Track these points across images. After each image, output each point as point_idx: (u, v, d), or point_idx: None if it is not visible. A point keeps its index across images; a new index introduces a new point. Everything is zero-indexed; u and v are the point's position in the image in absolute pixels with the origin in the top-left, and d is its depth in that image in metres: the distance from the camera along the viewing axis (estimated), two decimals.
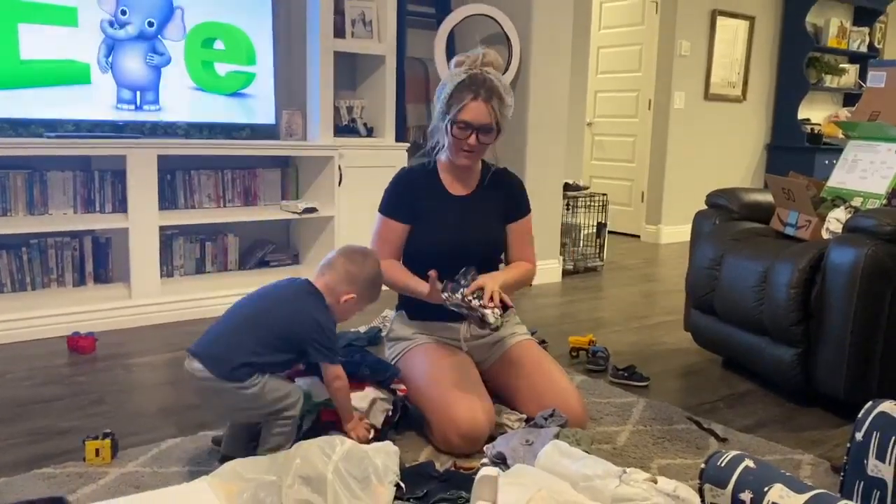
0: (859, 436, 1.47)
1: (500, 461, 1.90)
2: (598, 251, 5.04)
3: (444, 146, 2.22)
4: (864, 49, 7.10)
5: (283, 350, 1.88)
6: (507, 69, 4.30)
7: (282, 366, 1.93)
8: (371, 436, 2.00)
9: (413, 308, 2.29)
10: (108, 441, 1.98)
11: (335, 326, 1.96)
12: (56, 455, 2.03)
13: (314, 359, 1.91)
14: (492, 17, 4.28)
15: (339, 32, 3.94)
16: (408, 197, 2.24)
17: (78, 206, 3.47)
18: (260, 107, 3.84)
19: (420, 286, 2.12)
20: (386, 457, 1.76)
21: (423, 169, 2.30)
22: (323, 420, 2.04)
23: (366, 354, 2.23)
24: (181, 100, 3.60)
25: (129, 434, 2.16)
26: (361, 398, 2.06)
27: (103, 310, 3.26)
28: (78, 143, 3.18)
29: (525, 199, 2.36)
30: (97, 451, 1.96)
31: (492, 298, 1.95)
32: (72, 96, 3.31)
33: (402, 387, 2.17)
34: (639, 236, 6.41)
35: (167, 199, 3.67)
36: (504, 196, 2.32)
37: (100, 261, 3.57)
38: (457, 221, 2.23)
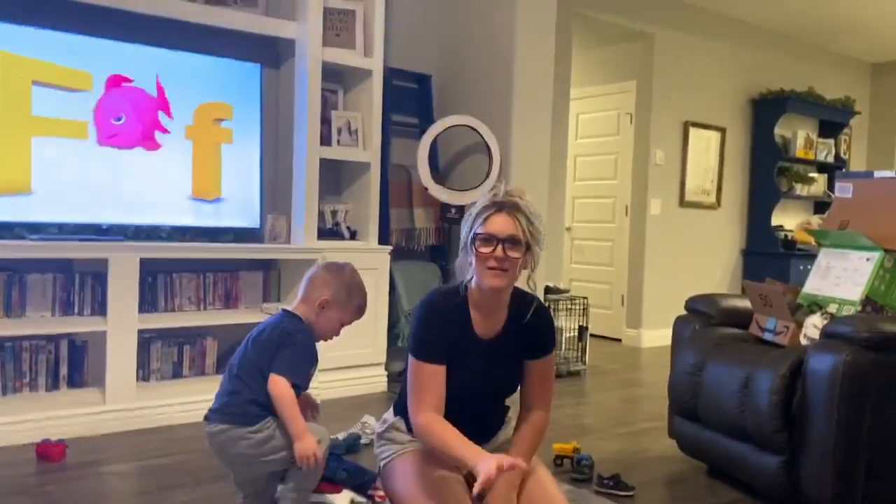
0: None
1: None
2: (580, 355, 5.04)
3: (471, 276, 2.00)
4: (830, 159, 7.38)
5: None
6: (487, 176, 4.42)
7: None
8: (321, 456, 2.00)
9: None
10: None
11: (309, 341, 1.95)
12: None
13: (274, 368, 1.92)
14: (472, 128, 4.42)
15: (325, 140, 4.05)
16: (440, 333, 1.99)
17: (56, 309, 3.44)
18: (244, 210, 3.89)
19: (471, 453, 1.80)
20: None
21: (451, 302, 2.02)
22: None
23: (342, 460, 2.19)
24: (167, 203, 3.65)
25: None
26: (339, 499, 2.01)
27: (76, 415, 3.18)
28: (60, 245, 3.18)
29: (552, 337, 2.15)
30: None
31: None
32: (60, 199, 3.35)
33: (381, 492, 2.11)
34: (620, 339, 6.42)
35: (147, 302, 3.66)
36: (530, 332, 2.09)
37: (75, 365, 3.51)
38: (480, 368, 2.03)
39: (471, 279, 1.97)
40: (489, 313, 2.01)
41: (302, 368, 1.97)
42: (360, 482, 2.10)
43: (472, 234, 1.93)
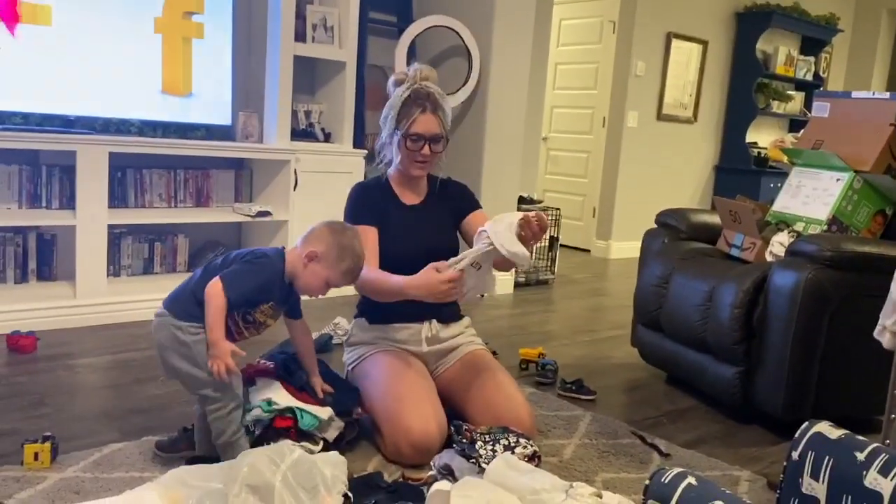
0: (795, 455, 1.52)
1: (448, 473, 1.91)
2: (549, 264, 5.11)
3: (396, 161, 2.29)
4: (809, 77, 7.35)
5: None
6: (466, 81, 4.34)
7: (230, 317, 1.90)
8: (232, 367, 1.88)
9: (372, 313, 2.32)
10: (47, 444, 1.93)
11: (267, 273, 1.92)
12: None
13: (219, 272, 1.89)
14: (453, 30, 4.31)
15: (299, 36, 3.92)
16: (370, 204, 2.29)
17: (23, 202, 3.38)
18: (216, 107, 3.80)
19: (396, 279, 2.08)
20: (334, 467, 1.75)
21: (376, 182, 2.37)
22: (276, 426, 2.02)
23: (334, 378, 2.21)
24: (136, 97, 3.54)
25: (70, 438, 2.11)
26: (321, 411, 2.05)
27: (46, 308, 3.18)
28: (26, 136, 3.10)
29: (473, 198, 2.46)
30: (36, 454, 1.91)
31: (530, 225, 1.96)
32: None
33: (359, 409, 2.18)
34: (589, 251, 6.51)
35: (117, 198, 3.60)
36: (453, 199, 2.41)
37: (44, 258, 3.48)
38: (413, 227, 2.30)
39: (396, 161, 2.28)
40: (412, 186, 2.35)
41: (243, 286, 1.86)
42: (343, 409, 2.14)
43: (400, 133, 2.21)
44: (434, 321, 2.31)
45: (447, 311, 2.34)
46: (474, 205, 2.43)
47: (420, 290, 2.01)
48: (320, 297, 2.05)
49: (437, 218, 2.36)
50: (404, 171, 2.31)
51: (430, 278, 1.99)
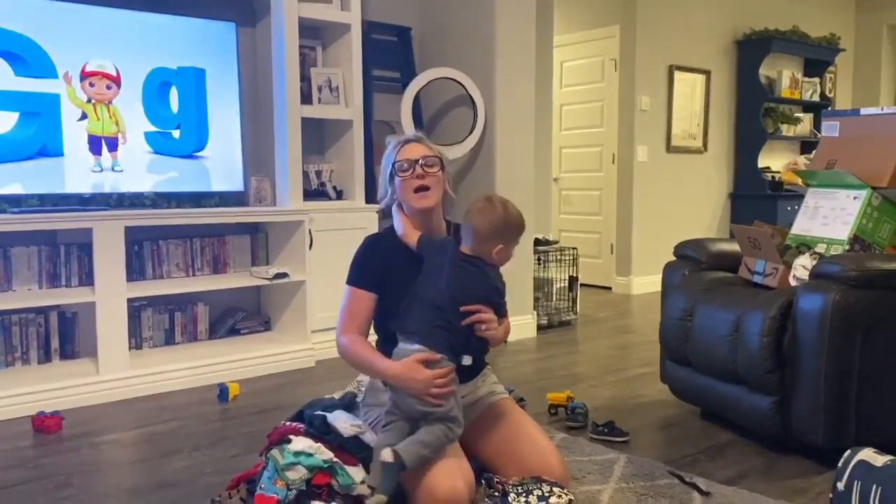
0: (840, 486, 1.46)
1: None
2: (571, 305, 5.06)
3: (399, 203, 2.22)
4: (816, 98, 7.34)
5: None
6: (472, 129, 4.37)
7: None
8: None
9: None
10: None
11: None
12: None
13: None
14: (456, 80, 4.36)
15: (305, 99, 3.98)
16: (375, 264, 2.19)
17: (43, 281, 3.41)
18: (227, 174, 3.85)
19: (384, 364, 2.05)
20: None
21: (388, 236, 2.26)
22: (315, 483, 1.97)
23: (363, 447, 2.17)
24: (147, 170, 3.60)
25: None
26: (355, 472, 2.01)
27: (70, 387, 3.18)
28: (43, 217, 3.14)
29: None
30: None
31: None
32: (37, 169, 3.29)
33: None
34: (610, 288, 6.45)
35: (135, 271, 3.63)
36: None
37: (66, 336, 3.49)
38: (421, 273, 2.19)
39: (399, 203, 2.19)
40: (427, 230, 2.20)
41: None
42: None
43: (390, 170, 2.16)
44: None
45: (467, 372, 2.22)
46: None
47: (399, 380, 2.00)
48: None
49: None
50: (410, 208, 2.18)
51: (411, 372, 1.97)
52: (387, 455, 1.87)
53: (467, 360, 2.04)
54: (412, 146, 2.18)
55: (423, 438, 1.95)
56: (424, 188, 2.14)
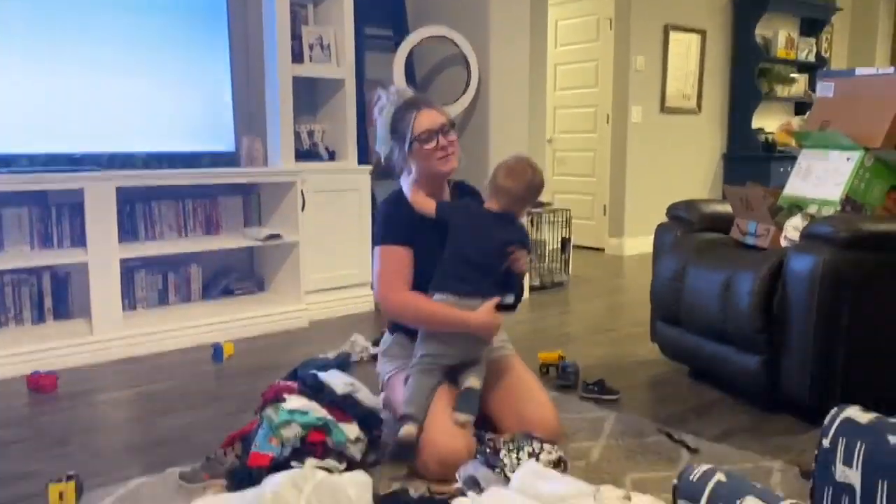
0: (826, 442, 1.49)
1: (473, 484, 1.89)
2: (563, 266, 5.08)
3: (415, 172, 2.24)
4: (812, 59, 7.29)
5: None
6: (466, 89, 4.34)
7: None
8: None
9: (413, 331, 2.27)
10: (72, 483, 1.92)
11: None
12: (18, 500, 1.97)
13: None
14: (449, 39, 4.31)
15: (296, 57, 3.93)
16: (403, 220, 2.22)
17: (35, 242, 3.40)
18: (219, 134, 3.81)
19: (462, 314, 2.14)
20: (359, 486, 1.73)
21: (403, 196, 2.28)
22: (310, 440, 2.00)
23: (356, 405, 2.19)
24: (139, 128, 3.56)
25: (94, 475, 2.10)
26: (348, 430, 2.04)
27: (64, 346, 3.19)
28: (33, 177, 3.11)
29: None
30: (61, 494, 1.90)
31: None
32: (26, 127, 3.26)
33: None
34: (603, 249, 6.47)
35: (127, 231, 3.61)
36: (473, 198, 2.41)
37: (59, 296, 3.49)
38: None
39: (414, 170, 2.23)
40: (438, 196, 2.28)
41: None
42: (369, 429, 2.14)
43: (409, 141, 2.16)
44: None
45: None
46: None
47: (482, 328, 2.16)
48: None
49: None
50: (433, 173, 2.22)
51: (496, 320, 2.18)
52: (475, 383, 2.14)
53: (509, 299, 2.25)
54: (428, 114, 2.18)
55: (479, 375, 2.19)
56: (446, 154, 2.20)
